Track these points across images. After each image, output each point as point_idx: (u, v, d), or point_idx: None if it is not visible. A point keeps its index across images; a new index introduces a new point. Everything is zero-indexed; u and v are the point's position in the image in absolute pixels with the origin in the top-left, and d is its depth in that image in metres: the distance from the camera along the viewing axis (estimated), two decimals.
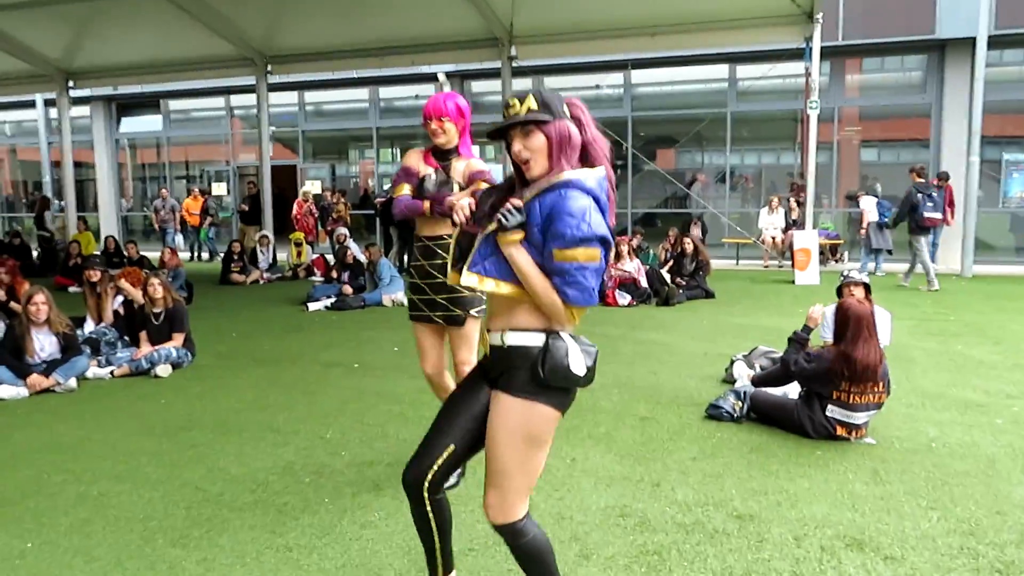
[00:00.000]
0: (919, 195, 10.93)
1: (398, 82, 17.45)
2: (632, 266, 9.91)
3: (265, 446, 4.38)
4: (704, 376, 5.86)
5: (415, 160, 3.61)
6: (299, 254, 13.41)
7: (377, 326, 8.24)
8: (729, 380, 5.59)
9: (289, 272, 13.11)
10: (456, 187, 3.49)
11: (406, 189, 3.55)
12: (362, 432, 4.59)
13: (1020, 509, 3.39)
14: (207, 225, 16.88)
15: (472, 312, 3.54)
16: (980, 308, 9.24)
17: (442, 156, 3.56)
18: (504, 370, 2.17)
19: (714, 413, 4.74)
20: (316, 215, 14.97)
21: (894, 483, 3.70)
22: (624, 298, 9.65)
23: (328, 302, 9.61)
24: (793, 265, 12.22)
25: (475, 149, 3.75)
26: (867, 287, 5.17)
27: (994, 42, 13.09)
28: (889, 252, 13.17)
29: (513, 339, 2.14)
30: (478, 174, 3.52)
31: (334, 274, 10.86)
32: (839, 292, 5.20)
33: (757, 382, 4.92)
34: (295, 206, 15.10)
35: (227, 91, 18.68)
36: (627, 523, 3.27)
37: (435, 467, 2.28)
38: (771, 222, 14.31)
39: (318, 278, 12.78)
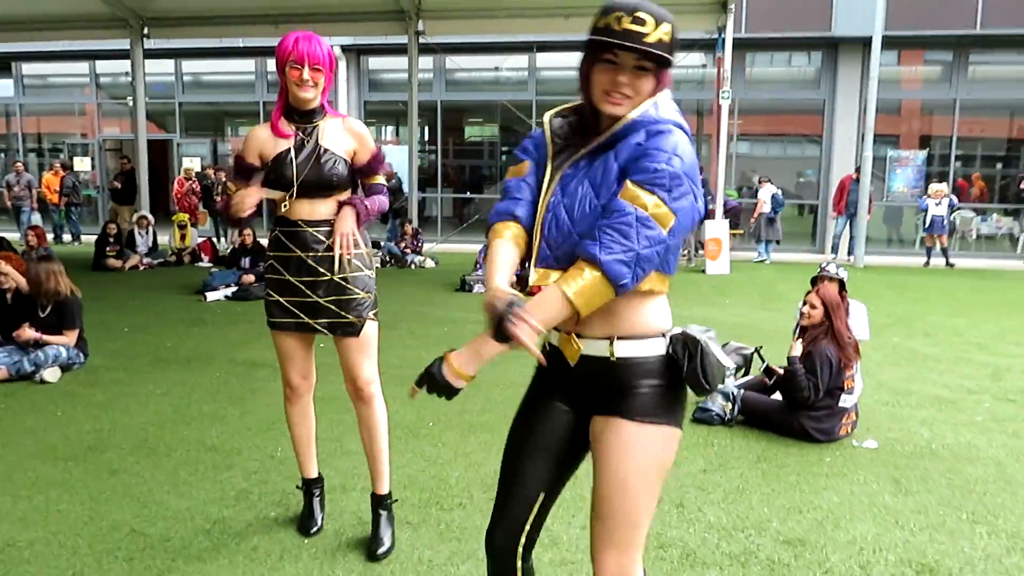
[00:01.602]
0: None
1: None
2: None
3: (204, 469, 3.67)
4: None
5: (264, 138, 2.73)
6: (183, 237, 12.23)
7: None
8: None
9: (172, 257, 11.91)
10: (342, 162, 2.73)
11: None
12: (318, 448, 3.94)
13: None
14: (64, 204, 15.20)
15: (370, 315, 2.81)
16: (890, 299, 9.48)
17: (304, 117, 2.73)
18: (613, 389, 1.65)
19: (703, 416, 4.41)
20: (200, 194, 13.73)
21: (921, 492, 3.48)
22: None
23: (228, 291, 8.69)
24: (697, 253, 12.30)
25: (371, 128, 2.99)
26: (842, 283, 4.99)
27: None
28: (777, 242, 13.60)
29: (627, 349, 1.63)
30: (376, 159, 2.82)
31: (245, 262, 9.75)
32: (813, 283, 5.00)
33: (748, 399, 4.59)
34: (176, 184, 13.80)
35: (93, 55, 16.88)
36: (671, 555, 2.85)
37: (528, 523, 1.77)
38: None
39: (205, 263, 11.72)
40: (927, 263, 13.19)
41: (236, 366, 5.63)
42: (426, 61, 15.08)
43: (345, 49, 15.73)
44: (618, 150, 1.59)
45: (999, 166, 16.39)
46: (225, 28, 12.98)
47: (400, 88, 13.88)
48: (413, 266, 11.69)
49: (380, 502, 2.93)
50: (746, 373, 4.93)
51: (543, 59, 16.04)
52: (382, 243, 12.42)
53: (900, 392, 5.18)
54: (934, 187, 13.13)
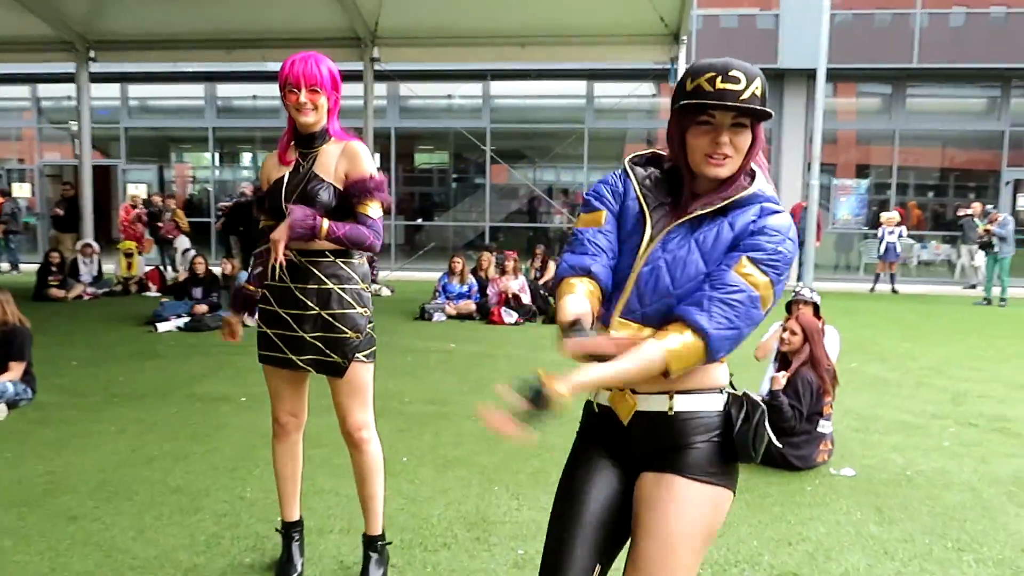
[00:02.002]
0: None
1: (238, 79, 16.05)
2: (517, 283, 9.50)
3: (170, 513, 3.48)
4: None
5: (271, 166, 2.70)
6: (130, 266, 11.83)
7: (250, 351, 7.03)
8: None
9: (118, 286, 11.51)
10: (329, 189, 2.56)
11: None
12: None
13: None
14: (2, 232, 14.60)
15: (360, 356, 2.65)
16: (843, 324, 9.52)
17: (305, 143, 2.62)
18: (668, 445, 1.61)
19: None
20: (146, 222, 13.31)
21: (904, 521, 3.50)
22: (511, 316, 9.22)
23: (180, 322, 8.40)
24: None
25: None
26: (816, 306, 5.04)
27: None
28: None
29: (687, 404, 1.59)
30: (363, 184, 2.56)
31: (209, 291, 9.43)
32: (788, 308, 5.05)
33: None
34: (121, 211, 13.38)
35: (34, 79, 16.37)
36: None
37: None
38: None
39: (153, 293, 11.36)
40: (873, 289, 13.53)
41: (195, 401, 5.41)
42: (379, 88, 15.02)
43: None
44: (732, 219, 1.58)
45: (930, 194, 17.05)
46: (174, 52, 12.68)
47: (354, 115, 13.72)
48: (370, 294, 11.52)
49: (371, 543, 2.81)
50: None
51: (497, 87, 16.13)
52: None
53: (868, 418, 5.24)
54: (886, 215, 13.49)
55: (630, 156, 1.72)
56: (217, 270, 9.40)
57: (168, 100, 17.30)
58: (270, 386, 2.78)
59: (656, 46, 12.12)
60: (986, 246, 12.18)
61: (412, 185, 18.11)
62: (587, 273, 1.61)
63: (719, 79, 1.51)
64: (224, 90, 16.65)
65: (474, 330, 8.87)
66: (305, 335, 2.62)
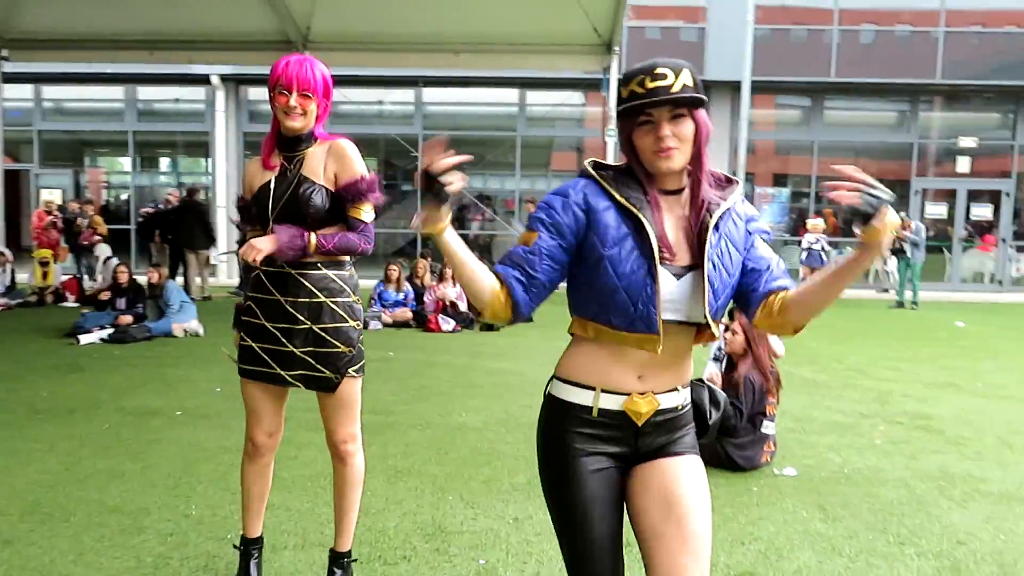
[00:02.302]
0: None
1: (160, 82, 15.53)
2: (454, 290, 9.46)
3: (111, 534, 3.32)
4: None
5: (253, 172, 2.61)
6: (45, 275, 11.30)
7: (180, 362, 6.99)
8: None
9: (33, 296, 10.98)
10: (322, 192, 2.49)
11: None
12: (235, 502, 3.64)
13: (971, 536, 3.45)
14: None
15: (351, 371, 2.60)
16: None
17: (289, 146, 2.53)
18: (670, 435, 1.75)
19: None
20: (61, 229, 12.73)
21: (847, 518, 3.63)
22: (448, 323, 9.19)
23: (104, 333, 8.05)
24: None
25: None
26: None
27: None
28: None
29: (685, 397, 1.77)
30: (355, 187, 2.48)
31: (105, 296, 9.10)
32: (730, 314, 5.19)
33: None
34: (34, 218, 12.76)
35: None
36: None
37: None
38: None
39: (71, 303, 10.89)
40: None
41: (126, 415, 5.19)
42: None
43: (224, 78, 15.17)
44: (733, 208, 1.74)
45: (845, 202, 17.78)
46: (94, 52, 12.18)
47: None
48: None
49: (337, 559, 2.76)
50: None
51: (430, 94, 16.08)
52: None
53: (803, 419, 5.42)
54: (812, 222, 13.96)
55: (591, 163, 1.75)
56: (142, 279, 9.05)
57: (85, 102, 16.62)
58: (248, 403, 2.67)
59: (589, 56, 12.29)
60: (898, 252, 12.77)
61: None
62: (498, 277, 1.70)
63: (648, 79, 1.60)
64: (145, 93, 16.09)
65: (412, 338, 8.81)
66: (295, 350, 2.54)
